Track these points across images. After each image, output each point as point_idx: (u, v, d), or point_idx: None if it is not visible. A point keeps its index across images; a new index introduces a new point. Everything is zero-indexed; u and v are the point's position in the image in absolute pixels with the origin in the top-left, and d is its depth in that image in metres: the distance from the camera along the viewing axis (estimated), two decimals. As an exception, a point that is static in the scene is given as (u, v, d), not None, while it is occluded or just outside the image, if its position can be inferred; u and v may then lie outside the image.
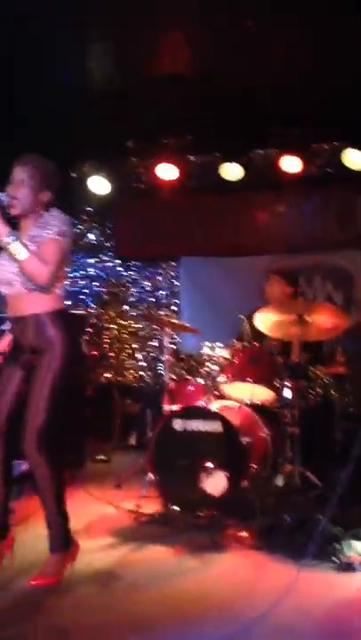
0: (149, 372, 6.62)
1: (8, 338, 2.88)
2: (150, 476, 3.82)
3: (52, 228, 2.63)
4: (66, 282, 2.83)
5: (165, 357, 4.31)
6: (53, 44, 4.38)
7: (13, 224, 2.70)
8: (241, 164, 5.79)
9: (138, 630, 2.23)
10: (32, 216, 2.71)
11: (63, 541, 2.67)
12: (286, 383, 3.91)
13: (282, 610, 2.18)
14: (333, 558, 2.83)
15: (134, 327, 6.72)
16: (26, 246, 2.57)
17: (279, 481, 3.65)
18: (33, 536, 2.93)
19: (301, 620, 2.29)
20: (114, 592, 2.58)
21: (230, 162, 5.78)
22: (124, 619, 2.33)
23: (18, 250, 2.54)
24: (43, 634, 2.20)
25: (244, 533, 3.23)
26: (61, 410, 2.64)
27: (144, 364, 6.65)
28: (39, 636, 2.18)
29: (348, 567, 2.77)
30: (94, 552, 3.00)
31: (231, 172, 5.82)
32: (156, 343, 6.62)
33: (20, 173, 2.68)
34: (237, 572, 2.84)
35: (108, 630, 2.23)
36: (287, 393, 3.90)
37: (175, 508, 3.58)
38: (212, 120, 5.34)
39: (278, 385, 3.92)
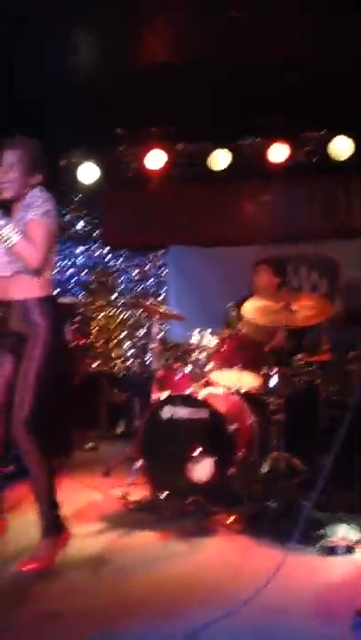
0: (137, 361, 6.64)
1: None
2: (138, 463, 3.86)
3: (36, 210, 2.63)
4: (54, 269, 2.83)
5: (154, 345, 4.34)
6: (40, 32, 4.34)
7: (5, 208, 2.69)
8: (229, 153, 5.78)
9: (128, 614, 2.28)
10: (22, 199, 2.70)
11: (54, 526, 2.70)
12: (272, 371, 3.96)
13: (269, 592, 2.23)
14: (318, 543, 2.89)
15: (122, 316, 6.73)
16: (16, 229, 2.57)
17: (265, 467, 3.71)
18: (24, 522, 2.97)
19: (289, 602, 2.34)
20: (103, 577, 2.62)
21: (219, 148, 5.76)
22: (113, 603, 2.37)
23: (8, 234, 2.55)
24: (33, 618, 2.23)
25: (231, 519, 3.28)
26: (48, 397, 2.66)
27: (131, 353, 6.67)
28: (30, 621, 2.22)
29: (331, 551, 2.83)
30: (84, 538, 3.04)
31: (219, 160, 5.82)
32: (143, 332, 6.64)
33: (8, 157, 2.67)
34: (225, 556, 2.90)
35: (98, 614, 2.27)
36: (273, 380, 3.95)
37: (163, 494, 3.63)
38: (199, 108, 5.35)
39: (265, 372, 3.97)
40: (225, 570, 2.72)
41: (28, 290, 2.66)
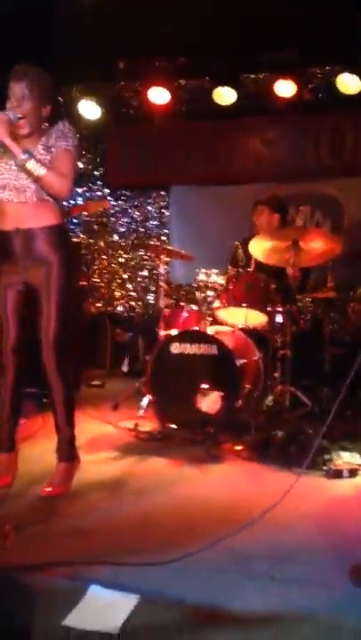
0: (139, 303, 6.71)
1: None
2: (148, 397, 3.98)
3: (68, 140, 2.65)
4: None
5: (161, 284, 4.39)
6: None
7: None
8: (234, 88, 5.69)
9: (148, 530, 2.42)
10: (36, 131, 2.68)
11: (70, 452, 2.82)
12: (278, 308, 4.04)
13: (280, 510, 2.37)
14: (324, 467, 3.04)
15: (124, 257, 6.75)
16: (42, 162, 2.57)
17: (271, 400, 3.84)
18: (39, 452, 3.10)
19: (299, 519, 2.50)
20: (122, 497, 2.76)
21: (223, 86, 5.67)
22: (133, 520, 2.51)
23: (35, 167, 2.55)
24: (58, 533, 2.37)
25: (239, 447, 3.43)
26: (69, 322, 2.73)
27: (134, 294, 6.73)
28: (55, 535, 2.36)
29: (337, 474, 2.99)
30: (99, 464, 3.19)
31: (224, 96, 5.73)
32: (145, 273, 6.68)
33: (19, 89, 2.61)
34: (235, 478, 3.06)
35: (118, 531, 2.41)
36: (279, 318, 4.04)
37: (173, 426, 3.76)
38: (203, 41, 5.22)
39: (271, 310, 4.05)
40: (237, 490, 2.87)
41: (47, 217, 2.68)
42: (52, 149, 2.64)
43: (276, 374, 3.95)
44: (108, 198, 6.74)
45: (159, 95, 5.87)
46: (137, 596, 1.87)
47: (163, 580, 1.99)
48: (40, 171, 2.56)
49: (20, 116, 2.61)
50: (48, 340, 2.67)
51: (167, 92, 5.85)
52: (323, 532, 2.42)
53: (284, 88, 5.56)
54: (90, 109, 6.10)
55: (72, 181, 2.64)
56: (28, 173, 2.58)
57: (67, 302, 2.71)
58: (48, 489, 2.72)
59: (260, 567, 2.12)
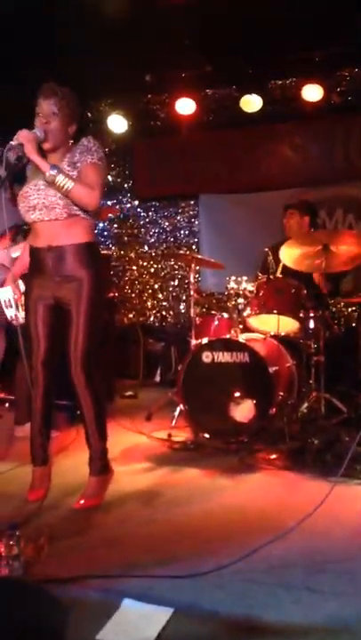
0: (171, 312, 6.72)
1: (21, 264, 2.95)
2: (180, 407, 3.97)
3: (93, 154, 2.68)
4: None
5: (192, 294, 4.38)
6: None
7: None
8: (260, 95, 5.68)
9: (183, 540, 2.40)
10: (62, 148, 2.73)
11: (103, 465, 2.82)
12: (311, 314, 3.99)
13: (316, 518, 2.32)
14: (361, 475, 2.97)
15: (155, 267, 6.78)
16: (69, 176, 2.61)
17: (305, 407, 3.78)
18: (73, 464, 3.13)
19: (335, 528, 2.44)
20: (156, 507, 2.75)
21: (249, 93, 5.66)
22: (168, 530, 2.49)
23: (63, 182, 2.58)
24: (94, 543, 2.37)
25: (273, 455, 3.39)
26: (99, 336, 2.75)
27: (165, 304, 6.74)
28: (91, 546, 2.35)
29: (375, 483, 2.92)
30: (133, 475, 3.19)
31: (251, 103, 5.71)
32: (176, 283, 6.69)
33: (48, 106, 2.66)
34: (270, 488, 3.01)
35: (154, 540, 2.40)
36: (312, 323, 3.98)
37: (206, 435, 3.74)
38: (227, 51, 5.22)
39: (303, 316, 4.00)
40: (271, 501, 2.82)
41: (78, 235, 2.71)
42: (78, 164, 2.68)
43: (311, 381, 3.90)
44: (138, 210, 6.80)
45: (186, 106, 5.89)
46: (171, 608, 1.85)
47: (197, 592, 1.97)
48: (68, 184, 2.59)
49: (45, 130, 2.66)
50: (76, 356, 2.69)
51: (193, 102, 5.87)
52: (359, 542, 2.36)
53: (312, 92, 5.53)
54: (118, 123, 6.17)
55: (100, 193, 2.66)
56: (58, 188, 2.61)
57: (97, 318, 2.73)
58: (81, 502, 2.73)
59: (296, 577, 2.08)
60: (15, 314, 3.25)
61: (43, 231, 2.72)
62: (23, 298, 2.92)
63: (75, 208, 2.67)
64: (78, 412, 3.14)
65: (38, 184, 2.69)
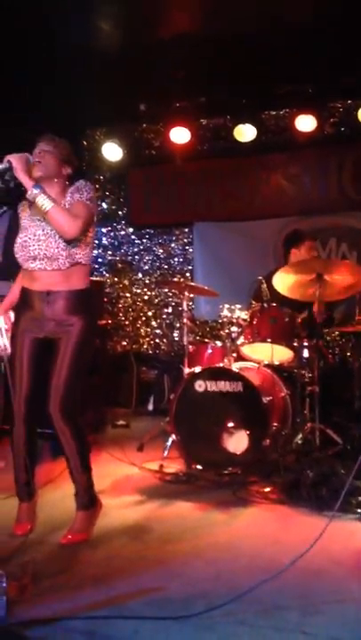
0: (164, 340, 6.66)
1: (9, 302, 2.93)
2: (172, 437, 3.89)
3: (83, 194, 2.73)
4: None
5: (185, 321, 4.34)
6: (60, 8, 4.32)
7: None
8: (254, 125, 5.72)
9: (172, 578, 2.31)
10: (55, 185, 2.75)
11: (89, 499, 2.74)
12: (305, 343, 3.94)
13: (311, 556, 2.24)
14: (358, 510, 2.89)
15: (148, 295, 6.75)
16: (51, 198, 2.61)
17: (300, 438, 3.71)
18: (60, 496, 3.04)
19: (331, 566, 2.36)
20: (145, 544, 2.66)
21: (243, 123, 5.71)
22: (157, 569, 2.40)
23: (44, 201, 2.59)
24: (77, 585, 2.27)
25: (267, 488, 3.31)
26: (84, 378, 2.73)
27: (159, 332, 6.69)
28: (76, 585, 2.26)
29: (372, 517, 2.84)
30: (123, 508, 3.10)
31: (244, 133, 5.76)
32: (170, 310, 6.65)
33: (44, 146, 2.76)
34: (264, 523, 2.93)
35: (142, 578, 2.31)
36: (306, 353, 3.94)
37: (198, 467, 3.66)
38: (222, 81, 5.29)
39: (297, 345, 3.96)
40: (265, 537, 2.74)
41: (76, 281, 2.73)
42: (68, 203, 2.72)
43: (305, 411, 3.83)
44: (133, 237, 6.79)
45: (180, 135, 5.93)
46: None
47: (185, 635, 1.88)
48: (47, 205, 2.59)
49: (37, 160, 2.70)
50: (56, 397, 2.66)
51: (188, 131, 5.91)
52: (356, 581, 2.27)
53: (305, 123, 5.57)
54: (113, 151, 6.20)
55: (82, 225, 2.66)
56: (39, 208, 2.62)
57: (82, 362, 2.72)
58: (68, 537, 2.64)
59: (290, 620, 1.99)
60: (4, 344, 3.20)
61: (41, 278, 2.73)
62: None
63: (77, 256, 2.71)
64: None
65: (37, 234, 2.70)
